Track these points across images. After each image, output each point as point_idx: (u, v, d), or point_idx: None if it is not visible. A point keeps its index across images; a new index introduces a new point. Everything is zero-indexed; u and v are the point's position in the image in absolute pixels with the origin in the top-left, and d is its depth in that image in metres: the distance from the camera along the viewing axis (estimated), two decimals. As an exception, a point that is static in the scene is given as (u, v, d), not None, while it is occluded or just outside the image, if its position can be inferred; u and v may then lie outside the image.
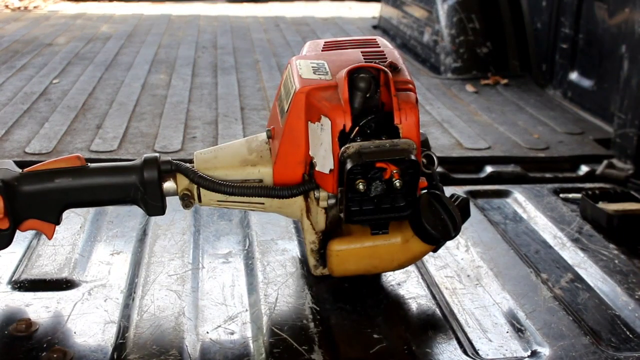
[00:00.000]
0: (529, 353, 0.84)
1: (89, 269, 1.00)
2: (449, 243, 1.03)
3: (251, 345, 0.84)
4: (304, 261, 1.02)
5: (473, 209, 1.16)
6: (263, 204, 0.93)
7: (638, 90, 1.44)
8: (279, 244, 1.07)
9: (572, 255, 1.07)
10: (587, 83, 1.82)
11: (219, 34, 2.95)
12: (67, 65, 2.32)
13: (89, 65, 2.32)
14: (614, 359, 0.83)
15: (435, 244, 0.89)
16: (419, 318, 0.90)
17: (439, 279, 0.99)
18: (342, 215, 0.83)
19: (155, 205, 0.91)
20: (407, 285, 0.97)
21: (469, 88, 2.10)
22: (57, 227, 0.92)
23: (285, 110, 0.87)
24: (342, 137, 0.82)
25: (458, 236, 0.90)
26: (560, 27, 1.94)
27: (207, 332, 0.86)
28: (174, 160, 0.91)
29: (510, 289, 0.97)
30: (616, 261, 1.05)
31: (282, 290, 0.95)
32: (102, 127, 1.68)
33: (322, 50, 0.95)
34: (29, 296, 0.93)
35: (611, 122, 1.58)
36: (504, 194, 1.30)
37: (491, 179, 1.42)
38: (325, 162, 0.84)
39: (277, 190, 0.88)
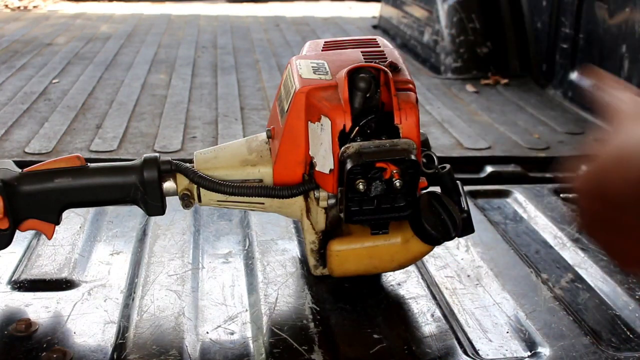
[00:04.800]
0: (529, 353, 0.84)
1: (89, 269, 1.00)
2: (449, 243, 1.03)
3: (251, 345, 0.84)
4: (304, 261, 1.02)
5: (473, 209, 1.16)
6: (263, 204, 0.93)
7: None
8: (279, 244, 1.07)
9: (572, 255, 1.07)
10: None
11: (219, 34, 2.95)
12: (67, 65, 2.32)
13: (89, 65, 2.32)
14: (614, 359, 0.83)
15: (436, 244, 0.89)
16: (419, 318, 0.90)
17: (439, 279, 0.99)
18: (342, 215, 0.83)
19: (155, 205, 0.91)
20: (407, 285, 0.97)
21: (469, 88, 2.10)
22: (57, 227, 0.92)
23: (285, 110, 0.87)
24: (342, 137, 0.82)
25: (458, 236, 0.90)
26: (561, 27, 1.94)
27: (207, 332, 0.86)
28: (174, 160, 0.91)
29: (511, 289, 0.97)
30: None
31: (282, 290, 0.95)
32: (102, 127, 1.68)
33: (322, 50, 0.95)
34: (28, 296, 0.93)
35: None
36: (504, 194, 1.30)
37: (491, 179, 1.42)
38: (325, 162, 0.84)
39: (277, 190, 0.88)
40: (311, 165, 0.87)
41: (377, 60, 0.87)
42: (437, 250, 1.03)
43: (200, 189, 0.91)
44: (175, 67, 2.32)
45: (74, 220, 1.13)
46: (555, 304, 0.94)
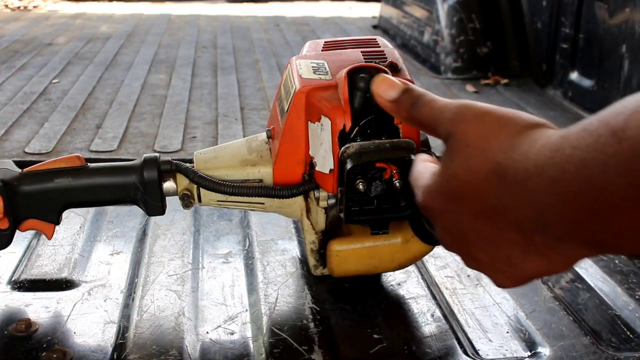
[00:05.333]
0: (529, 353, 0.84)
1: (89, 269, 1.00)
2: (449, 243, 1.03)
3: (251, 345, 0.84)
4: (304, 261, 1.02)
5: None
6: (263, 204, 0.93)
7: (639, 90, 1.44)
8: (279, 244, 1.07)
9: (572, 255, 1.07)
10: (587, 83, 1.82)
11: (219, 34, 2.95)
12: (67, 65, 2.32)
13: (89, 65, 2.32)
14: (614, 359, 0.83)
15: (436, 244, 0.89)
16: (419, 318, 0.90)
17: (439, 279, 0.99)
18: (342, 215, 0.83)
19: (155, 205, 0.91)
20: (407, 285, 0.97)
21: (469, 88, 2.10)
22: (57, 227, 0.92)
23: (285, 110, 0.87)
24: (342, 137, 0.82)
25: (458, 236, 0.90)
26: (561, 27, 1.94)
27: (207, 332, 0.86)
28: (174, 160, 0.91)
29: (510, 289, 0.97)
30: (616, 261, 1.05)
31: (282, 290, 0.95)
32: (102, 127, 1.68)
33: (322, 50, 0.95)
34: (28, 296, 0.93)
35: (611, 122, 1.58)
36: (504, 194, 1.30)
37: (491, 179, 1.41)
38: (325, 162, 0.84)
39: (277, 190, 0.88)
40: (311, 165, 0.87)
41: (377, 60, 0.87)
42: (437, 250, 1.03)
43: (200, 189, 0.91)
44: (175, 67, 2.32)
45: (74, 220, 1.13)
46: (555, 304, 0.94)
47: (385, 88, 0.62)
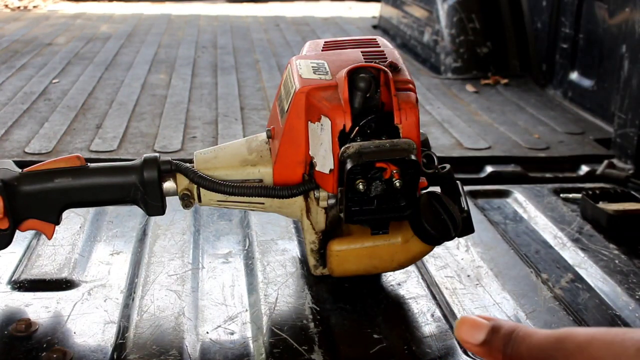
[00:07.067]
0: (529, 353, 0.84)
1: (89, 269, 1.00)
2: (449, 243, 1.03)
3: (251, 345, 0.84)
4: (304, 261, 1.02)
5: (473, 209, 1.16)
6: (263, 204, 0.93)
7: (638, 90, 1.44)
8: (279, 244, 1.07)
9: (572, 255, 1.07)
10: (587, 83, 1.82)
11: (219, 34, 2.94)
12: (67, 65, 2.32)
13: (89, 65, 2.32)
14: (614, 359, 0.82)
15: (435, 244, 0.89)
16: (419, 318, 0.90)
17: (439, 279, 0.99)
18: (342, 215, 0.83)
19: (155, 205, 0.91)
20: (407, 285, 0.97)
21: (469, 88, 2.10)
22: (57, 227, 0.92)
23: (285, 110, 0.87)
24: (342, 137, 0.82)
25: (458, 236, 0.90)
26: (561, 27, 1.94)
27: (207, 332, 0.86)
28: (174, 160, 0.91)
29: (511, 289, 0.97)
30: (616, 261, 1.05)
31: (282, 290, 0.95)
32: (102, 127, 1.68)
33: (322, 50, 0.95)
34: (28, 296, 0.93)
35: (611, 122, 1.58)
36: (504, 194, 1.30)
37: (491, 179, 1.42)
38: (325, 162, 0.84)
39: (277, 190, 0.88)
40: (311, 165, 0.87)
41: (377, 60, 0.87)
42: (437, 250, 1.03)
43: (200, 189, 0.91)
44: (175, 67, 2.32)
45: (74, 220, 1.13)
46: (555, 304, 0.94)
47: (470, 331, 0.55)
